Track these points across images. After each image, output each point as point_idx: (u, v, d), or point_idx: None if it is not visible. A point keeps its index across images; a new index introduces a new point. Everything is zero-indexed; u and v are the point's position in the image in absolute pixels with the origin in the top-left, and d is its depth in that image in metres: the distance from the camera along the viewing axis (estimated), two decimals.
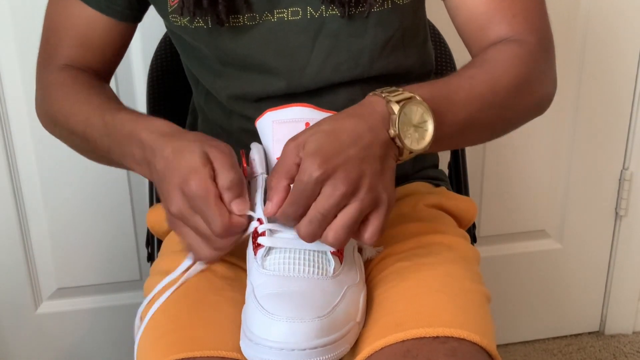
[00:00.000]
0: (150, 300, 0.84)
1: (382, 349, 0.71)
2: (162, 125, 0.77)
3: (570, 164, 1.62)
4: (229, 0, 0.83)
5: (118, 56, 0.97)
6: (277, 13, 0.86)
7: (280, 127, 0.74)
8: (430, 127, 0.71)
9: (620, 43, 1.54)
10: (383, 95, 0.71)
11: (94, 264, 1.53)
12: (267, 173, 0.76)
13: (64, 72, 0.92)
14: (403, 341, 0.71)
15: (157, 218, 0.99)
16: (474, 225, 1.12)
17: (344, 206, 0.66)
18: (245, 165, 0.78)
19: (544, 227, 1.69)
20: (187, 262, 0.81)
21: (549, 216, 1.68)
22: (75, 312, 1.56)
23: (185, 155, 0.71)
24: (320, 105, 0.76)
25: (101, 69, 0.95)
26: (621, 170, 1.65)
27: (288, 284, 0.69)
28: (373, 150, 0.68)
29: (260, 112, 0.77)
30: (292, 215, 0.68)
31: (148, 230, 1.11)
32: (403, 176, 0.98)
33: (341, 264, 0.73)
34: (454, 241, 0.88)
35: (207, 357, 0.73)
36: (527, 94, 0.82)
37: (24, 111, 1.37)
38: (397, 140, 0.69)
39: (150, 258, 1.11)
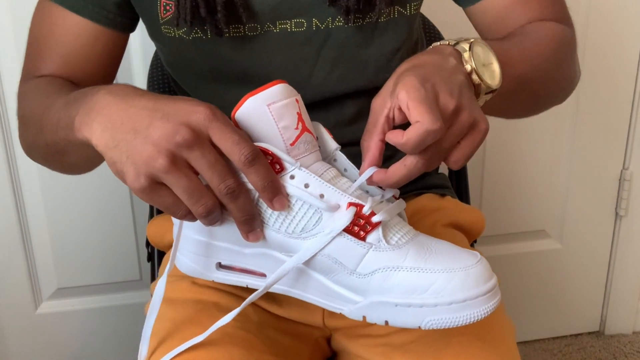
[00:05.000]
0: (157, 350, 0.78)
1: None
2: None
3: (570, 164, 1.62)
4: (228, 9, 0.81)
5: (107, 70, 0.89)
6: (280, 24, 0.84)
7: (278, 109, 0.65)
8: (496, 67, 0.70)
9: (620, 43, 1.54)
10: (445, 42, 0.70)
11: (94, 264, 1.53)
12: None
13: (41, 78, 0.86)
14: None
15: (157, 231, 0.98)
16: None
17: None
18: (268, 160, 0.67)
19: (544, 227, 1.69)
20: (198, 338, 0.74)
21: (549, 216, 1.68)
22: (75, 312, 1.56)
23: (181, 99, 0.63)
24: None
25: (87, 84, 0.81)
26: (621, 170, 1.65)
27: (422, 244, 0.66)
28: (460, 77, 0.66)
29: None
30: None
31: None
32: (409, 183, 0.98)
33: None
34: None
35: None
36: (563, 67, 0.83)
37: None
38: (475, 76, 0.67)
39: (150, 258, 1.11)
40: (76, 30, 0.86)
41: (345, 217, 0.64)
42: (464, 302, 0.63)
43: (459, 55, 0.68)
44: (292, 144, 0.66)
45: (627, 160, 1.64)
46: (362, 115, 0.69)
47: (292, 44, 0.85)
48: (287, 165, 0.65)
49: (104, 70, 0.89)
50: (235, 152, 0.61)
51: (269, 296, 0.83)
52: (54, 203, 1.46)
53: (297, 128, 0.66)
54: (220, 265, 0.73)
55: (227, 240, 0.71)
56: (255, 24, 0.83)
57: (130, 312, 1.55)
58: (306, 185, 0.65)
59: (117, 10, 0.86)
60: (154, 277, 1.10)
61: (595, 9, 1.50)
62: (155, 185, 0.62)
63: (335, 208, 0.65)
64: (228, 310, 0.79)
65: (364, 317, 0.66)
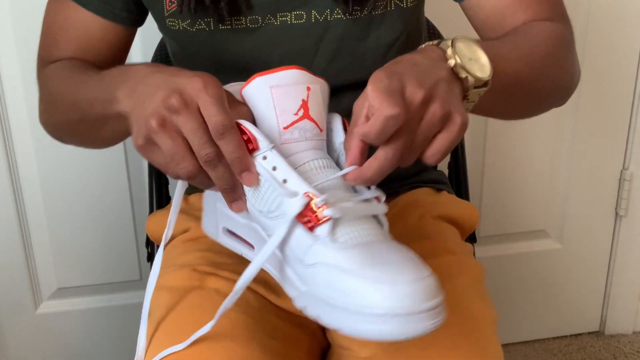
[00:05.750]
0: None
1: None
2: None
3: (570, 164, 1.62)
4: (231, 0, 0.83)
5: (117, 61, 0.94)
6: (280, 16, 0.85)
7: (281, 93, 0.67)
8: (485, 60, 0.68)
9: (620, 43, 1.54)
10: (430, 43, 0.70)
11: (94, 264, 1.53)
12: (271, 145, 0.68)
13: (62, 61, 0.91)
14: None
15: (156, 226, 0.98)
16: None
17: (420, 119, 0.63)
18: (245, 137, 0.68)
19: (544, 227, 1.69)
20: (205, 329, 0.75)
21: (549, 216, 1.68)
22: (75, 312, 1.56)
23: (189, 73, 0.68)
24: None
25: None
26: (621, 170, 1.65)
27: (372, 250, 0.64)
28: (438, 72, 0.65)
29: None
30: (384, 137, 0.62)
31: None
32: (404, 177, 0.98)
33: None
34: (463, 262, 0.88)
35: None
36: (560, 66, 0.83)
37: (24, 111, 1.37)
38: (461, 70, 0.66)
39: (150, 258, 1.11)
40: (86, 24, 0.90)
41: (295, 205, 0.65)
42: (384, 315, 0.59)
43: (441, 53, 0.68)
44: (285, 128, 0.67)
45: (627, 160, 1.64)
46: None
47: (292, 36, 0.86)
48: (261, 145, 0.66)
49: (111, 62, 0.92)
50: (210, 123, 0.64)
51: (268, 285, 0.84)
52: (54, 203, 1.46)
53: (296, 114, 0.67)
54: (226, 230, 0.76)
55: (225, 206, 0.72)
56: (256, 16, 0.85)
57: (130, 312, 1.55)
58: (274, 168, 0.66)
59: (121, 6, 0.89)
60: None
61: (595, 9, 1.50)
62: (150, 144, 0.66)
63: (293, 195, 0.65)
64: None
65: (304, 308, 0.66)
